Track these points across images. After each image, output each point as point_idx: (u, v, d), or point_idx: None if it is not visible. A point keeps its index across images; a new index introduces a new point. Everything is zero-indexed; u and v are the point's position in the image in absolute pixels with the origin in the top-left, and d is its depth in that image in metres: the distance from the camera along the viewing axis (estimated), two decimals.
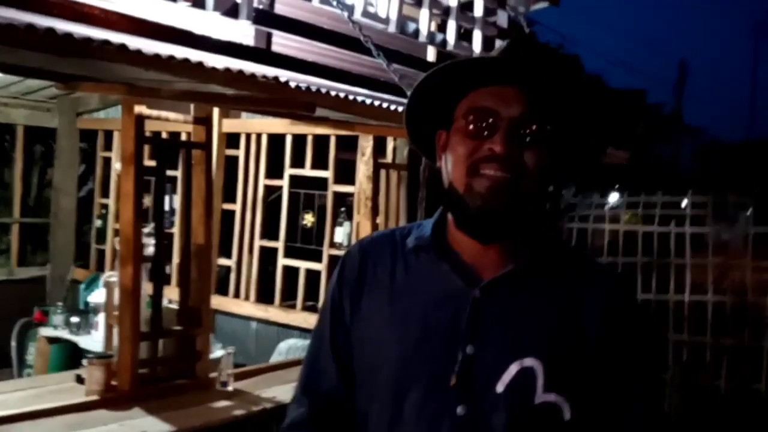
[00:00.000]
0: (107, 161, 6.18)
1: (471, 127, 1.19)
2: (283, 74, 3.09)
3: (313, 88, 2.70)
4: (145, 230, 3.64)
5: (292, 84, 2.60)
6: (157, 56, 2.11)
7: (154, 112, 3.37)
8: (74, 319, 4.97)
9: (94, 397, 3.25)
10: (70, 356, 4.86)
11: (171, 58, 2.19)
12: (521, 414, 1.16)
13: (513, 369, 1.16)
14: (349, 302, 1.30)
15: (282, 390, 3.71)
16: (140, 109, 3.29)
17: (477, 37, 4.55)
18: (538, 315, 1.20)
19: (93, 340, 4.70)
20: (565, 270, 1.25)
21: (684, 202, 6.74)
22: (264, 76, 2.52)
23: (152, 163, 3.82)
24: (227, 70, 2.40)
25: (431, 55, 4.81)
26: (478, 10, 4.56)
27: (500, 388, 1.16)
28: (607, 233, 6.75)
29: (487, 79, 1.20)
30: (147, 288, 3.61)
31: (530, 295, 1.21)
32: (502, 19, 4.86)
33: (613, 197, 8.44)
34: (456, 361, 1.17)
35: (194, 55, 2.81)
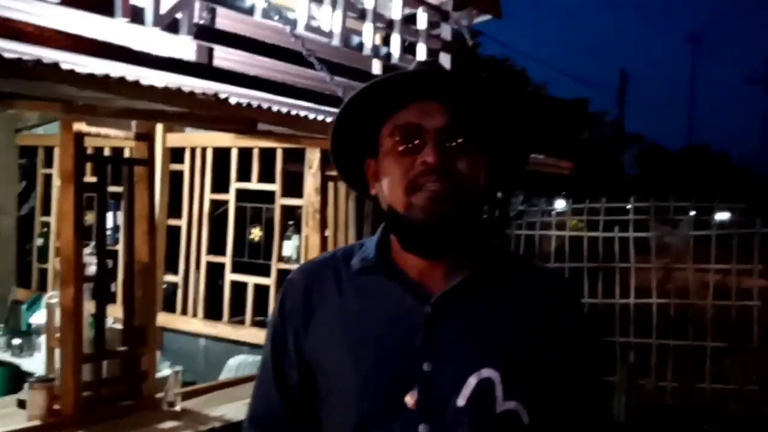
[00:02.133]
0: (48, 178, 6.03)
1: (400, 145, 1.19)
2: (225, 89, 3.07)
3: (254, 104, 2.68)
4: (87, 249, 3.57)
5: (233, 100, 2.58)
6: (91, 75, 2.07)
7: (94, 129, 3.31)
8: (16, 341, 4.84)
9: (36, 423, 3.16)
10: (12, 379, 4.71)
11: (107, 76, 2.16)
12: (484, 425, 1.16)
13: (472, 381, 1.15)
14: (294, 332, 1.27)
15: (231, 408, 3.66)
16: (79, 126, 3.23)
17: (421, 50, 4.59)
18: (490, 325, 1.20)
19: (36, 362, 4.57)
20: (512, 278, 1.26)
21: (628, 207, 6.90)
22: (203, 93, 2.50)
23: (94, 179, 3.75)
24: (166, 87, 2.37)
25: (376, 68, 4.83)
26: (422, 24, 4.61)
27: (461, 401, 1.15)
28: (554, 239, 6.87)
29: (403, 99, 1.20)
30: (90, 308, 3.53)
31: (481, 305, 1.21)
32: (446, 32, 4.91)
33: (560, 204, 8.60)
34: (414, 381, 1.16)
35: (134, 71, 2.78)
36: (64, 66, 2.01)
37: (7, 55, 1.95)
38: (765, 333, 6.20)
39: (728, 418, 5.73)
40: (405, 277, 1.23)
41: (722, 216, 7.81)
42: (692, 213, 6.97)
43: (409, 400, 1.16)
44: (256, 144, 4.98)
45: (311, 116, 3.04)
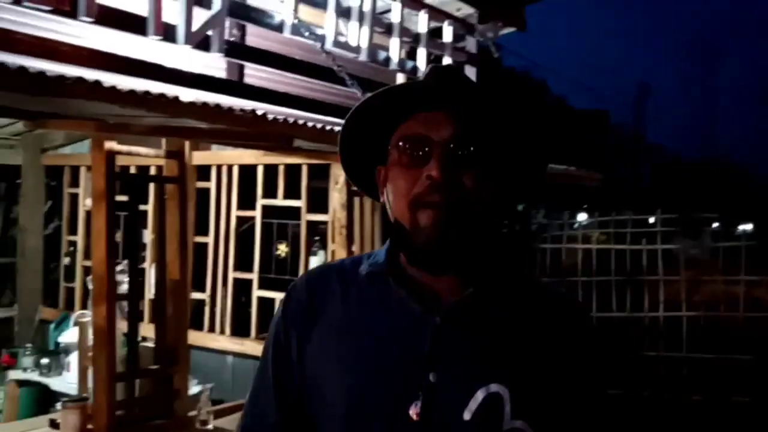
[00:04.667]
0: (74, 198, 6.06)
1: (405, 156, 1.16)
2: (258, 106, 3.06)
3: (290, 120, 2.67)
4: (118, 267, 3.56)
5: (270, 116, 2.57)
6: (132, 92, 2.07)
7: (125, 148, 3.31)
8: (44, 361, 4.84)
9: None
10: (40, 399, 4.71)
11: (147, 93, 2.15)
12: None
13: (479, 395, 1.11)
14: (297, 339, 1.23)
15: None
16: (111, 145, 3.23)
17: (447, 63, 4.58)
18: (500, 340, 1.16)
19: (65, 382, 4.57)
20: (522, 296, 1.22)
21: (652, 219, 6.84)
22: (241, 110, 2.49)
23: (122, 198, 3.75)
24: (204, 104, 2.36)
25: (401, 82, 4.81)
26: (448, 37, 4.60)
27: (467, 415, 1.10)
28: (580, 252, 6.81)
29: (414, 107, 1.17)
30: (121, 326, 3.52)
31: (491, 320, 1.17)
32: (470, 45, 4.90)
33: (582, 217, 8.54)
34: (418, 391, 1.11)
35: (166, 88, 2.77)
36: (106, 84, 2.01)
37: (49, 73, 1.95)
38: None
39: None
40: (414, 284, 1.18)
41: (746, 227, 7.73)
42: (714, 225, 6.90)
43: (413, 411, 1.11)
44: (282, 161, 4.98)
45: None
